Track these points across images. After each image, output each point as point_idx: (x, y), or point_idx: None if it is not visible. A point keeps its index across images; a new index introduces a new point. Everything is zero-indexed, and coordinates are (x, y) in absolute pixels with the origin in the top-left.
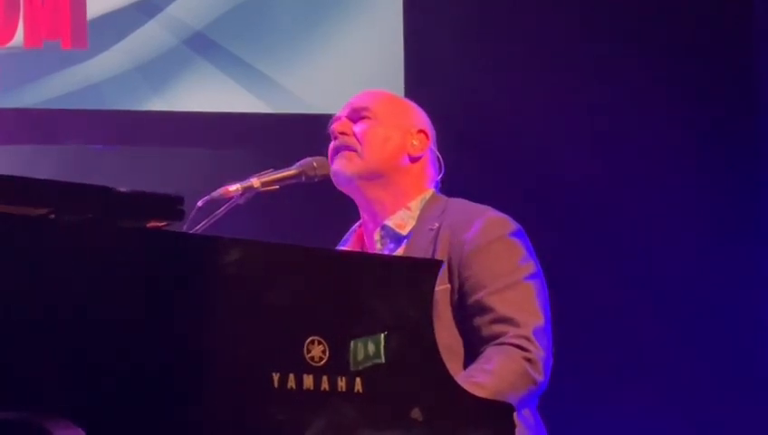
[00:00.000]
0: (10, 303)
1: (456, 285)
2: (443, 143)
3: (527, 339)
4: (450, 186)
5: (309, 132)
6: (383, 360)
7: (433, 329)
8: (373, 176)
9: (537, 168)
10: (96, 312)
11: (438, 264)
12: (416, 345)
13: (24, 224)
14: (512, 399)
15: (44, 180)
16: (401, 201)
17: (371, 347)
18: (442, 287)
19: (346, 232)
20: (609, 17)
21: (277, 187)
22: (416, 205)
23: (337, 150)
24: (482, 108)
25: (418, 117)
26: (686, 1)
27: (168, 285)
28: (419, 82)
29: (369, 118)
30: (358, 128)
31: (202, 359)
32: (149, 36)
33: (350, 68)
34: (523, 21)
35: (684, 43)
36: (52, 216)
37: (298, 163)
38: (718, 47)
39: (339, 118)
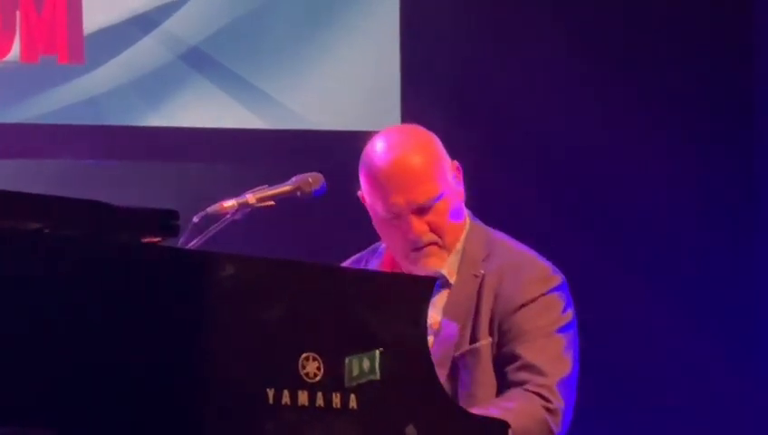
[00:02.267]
0: (2, 318)
1: (497, 338)
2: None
3: (550, 390)
4: None
5: (304, 148)
6: (378, 376)
7: (428, 345)
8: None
9: (538, 168)
10: (88, 327)
11: (432, 281)
12: (411, 362)
13: (18, 238)
14: None
15: (39, 195)
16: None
17: (366, 363)
18: (486, 342)
19: (341, 247)
20: (612, 19)
21: (273, 202)
22: (460, 245)
23: (418, 247)
24: (480, 111)
25: (444, 151)
26: (687, 5)
27: (162, 301)
28: (416, 98)
29: (434, 204)
30: (430, 218)
31: (196, 374)
32: (146, 51)
33: (346, 84)
34: (521, 23)
35: (684, 44)
36: (47, 230)
37: (293, 179)
38: (718, 48)
39: (401, 214)
